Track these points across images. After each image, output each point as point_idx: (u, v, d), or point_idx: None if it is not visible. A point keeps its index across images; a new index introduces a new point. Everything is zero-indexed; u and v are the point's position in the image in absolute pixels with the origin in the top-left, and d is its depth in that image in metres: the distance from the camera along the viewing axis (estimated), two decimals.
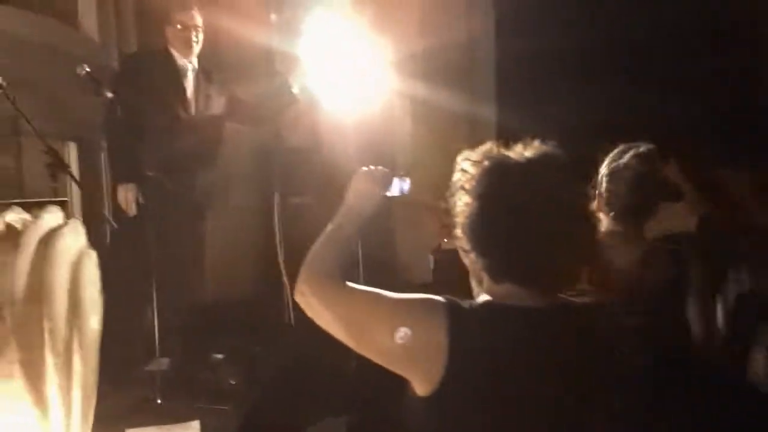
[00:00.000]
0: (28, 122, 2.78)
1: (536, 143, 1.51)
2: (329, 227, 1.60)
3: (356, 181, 1.68)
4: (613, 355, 1.48)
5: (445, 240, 5.45)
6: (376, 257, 4.23)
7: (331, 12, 3.92)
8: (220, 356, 4.21)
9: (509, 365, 1.40)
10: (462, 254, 1.54)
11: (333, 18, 3.86)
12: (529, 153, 1.48)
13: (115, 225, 2.76)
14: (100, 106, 4.56)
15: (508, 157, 1.48)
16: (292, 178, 5.19)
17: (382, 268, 4.65)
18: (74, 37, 5.15)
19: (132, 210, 3.43)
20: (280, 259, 4.21)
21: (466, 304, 1.46)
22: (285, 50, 4.25)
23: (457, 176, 1.54)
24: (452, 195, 1.53)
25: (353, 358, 3.84)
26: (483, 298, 1.49)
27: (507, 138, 1.55)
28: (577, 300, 1.52)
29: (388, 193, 1.70)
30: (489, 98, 5.66)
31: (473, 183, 1.48)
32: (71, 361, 2.29)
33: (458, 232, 1.51)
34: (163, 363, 3.39)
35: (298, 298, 1.55)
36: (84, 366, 2.29)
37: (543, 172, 1.45)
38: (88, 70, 3.16)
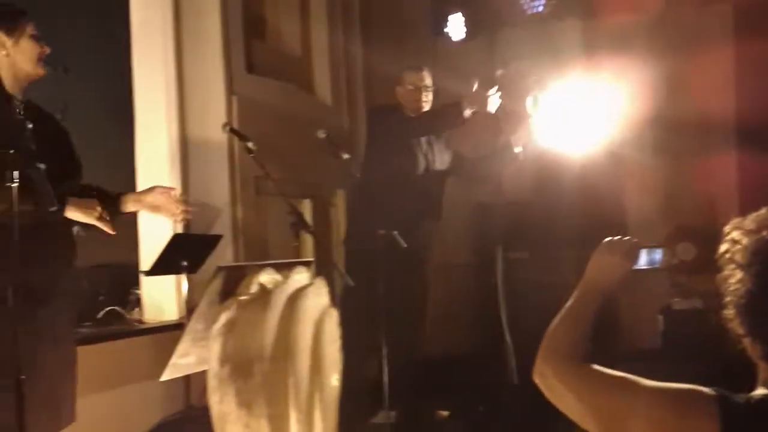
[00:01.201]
0: (275, 184, 2.98)
1: None
2: (569, 303, 1.49)
3: (599, 254, 1.55)
4: None
5: (677, 299, 5.04)
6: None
7: (559, 68, 3.86)
8: (445, 413, 4.18)
9: None
10: (736, 337, 1.36)
11: (561, 73, 3.79)
12: None
13: (352, 283, 2.85)
14: (332, 166, 4.87)
15: None
16: (512, 233, 5.11)
17: (601, 331, 4.38)
18: (310, 102, 5.53)
19: None
20: (503, 316, 4.12)
21: (739, 398, 1.27)
22: (508, 107, 4.23)
23: (725, 247, 1.37)
24: (720, 269, 1.36)
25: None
26: (761, 391, 1.30)
27: None
28: None
29: (636, 267, 1.56)
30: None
31: (748, 256, 1.30)
32: (313, 417, 2.38)
33: (729, 312, 1.33)
34: (391, 417, 3.42)
35: (537, 380, 1.45)
36: (324, 422, 2.38)
37: None
38: (326, 134, 3.36)
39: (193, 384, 3.95)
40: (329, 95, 5.74)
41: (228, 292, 1.95)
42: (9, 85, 2.29)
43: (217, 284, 1.91)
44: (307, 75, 5.66)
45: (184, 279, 3.93)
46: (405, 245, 3.38)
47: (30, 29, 2.37)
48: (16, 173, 1.43)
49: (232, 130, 3.20)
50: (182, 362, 1.95)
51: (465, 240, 5.72)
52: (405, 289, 3.69)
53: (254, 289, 1.97)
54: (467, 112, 3.73)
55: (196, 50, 4.46)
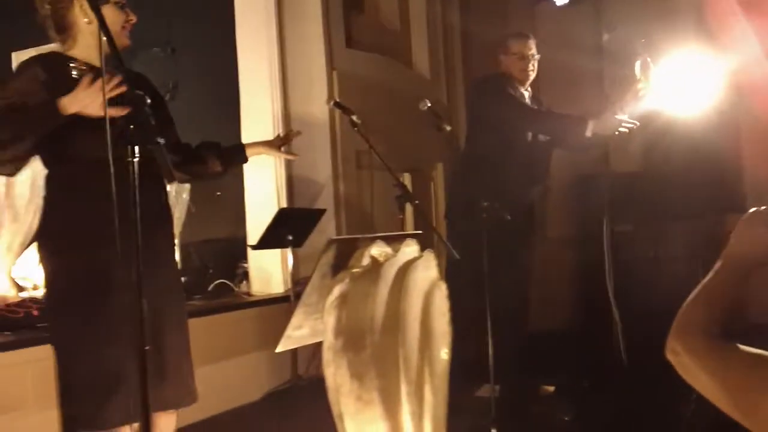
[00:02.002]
0: (380, 158, 2.97)
1: None
2: (708, 277, 1.41)
3: (744, 225, 1.45)
4: None
5: None
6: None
7: (670, 30, 3.65)
8: (550, 389, 4.11)
9: None
10: None
11: (671, 36, 3.59)
12: None
13: (458, 256, 2.82)
14: (431, 139, 4.82)
15: None
16: (618, 205, 4.93)
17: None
18: (409, 76, 5.50)
19: None
20: (611, 292, 3.98)
21: None
22: (616, 72, 4.06)
23: None
24: None
25: (692, 401, 3.53)
26: None
27: None
28: None
29: None
30: None
31: None
32: (423, 390, 2.37)
33: None
34: (495, 390, 3.38)
35: (669, 357, 1.38)
36: (434, 396, 2.37)
37: None
38: (429, 105, 3.30)
39: (299, 355, 4.05)
40: (428, 68, 5.69)
41: (339, 265, 1.96)
42: (90, 57, 2.23)
43: (328, 257, 1.92)
44: (406, 48, 5.62)
45: (289, 252, 4.01)
46: (509, 217, 3.30)
47: None
48: (137, 148, 1.47)
49: (337, 104, 3.20)
50: (296, 334, 1.98)
51: (567, 213, 5.58)
52: (511, 260, 3.63)
53: (366, 261, 1.97)
54: (589, 132, 3.58)
55: (297, 27, 4.52)
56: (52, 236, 2.19)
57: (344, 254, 1.97)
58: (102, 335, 2.04)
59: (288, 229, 3.89)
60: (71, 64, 2.21)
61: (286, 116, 4.53)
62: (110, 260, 1.85)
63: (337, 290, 1.87)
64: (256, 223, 4.42)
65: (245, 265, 4.66)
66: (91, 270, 2.08)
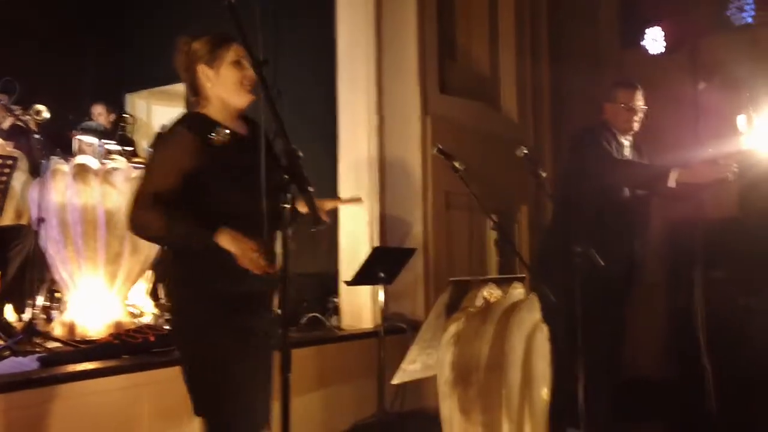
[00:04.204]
0: (480, 203, 3.08)
1: None
2: None
3: None
4: None
5: None
6: None
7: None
8: None
9: None
10: None
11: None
12: None
13: (554, 300, 2.88)
14: (517, 182, 4.89)
15: None
16: (711, 251, 4.87)
17: None
18: (498, 120, 5.62)
19: None
20: (702, 340, 3.95)
21: None
22: (711, 122, 4.06)
23: None
24: None
25: None
26: None
27: None
28: None
29: None
30: None
31: None
32: (523, 427, 2.46)
33: None
34: None
35: None
36: None
37: None
38: (526, 152, 3.39)
39: (386, 390, 4.14)
40: (516, 113, 5.80)
41: (454, 304, 2.07)
42: (221, 117, 2.33)
43: (445, 297, 2.04)
44: (495, 94, 5.75)
45: (380, 289, 4.14)
46: (602, 264, 3.32)
47: (231, 56, 2.35)
48: (289, 196, 1.63)
49: (440, 150, 3.33)
50: (410, 368, 2.09)
51: (659, 258, 5.53)
52: (606, 310, 3.63)
53: (479, 302, 2.08)
54: (672, 182, 3.57)
55: (394, 72, 4.71)
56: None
57: (458, 295, 2.08)
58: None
59: (381, 266, 4.01)
60: (216, 129, 2.30)
61: (382, 158, 4.71)
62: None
63: (453, 328, 1.98)
64: (348, 260, 4.59)
65: (336, 300, 4.81)
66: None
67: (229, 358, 2.18)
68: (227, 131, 2.29)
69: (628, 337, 4.36)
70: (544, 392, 2.32)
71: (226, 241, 2.13)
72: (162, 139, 2.36)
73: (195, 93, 2.41)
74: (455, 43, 5.39)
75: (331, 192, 4.77)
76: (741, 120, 3.43)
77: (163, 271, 4.35)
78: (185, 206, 2.22)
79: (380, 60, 4.68)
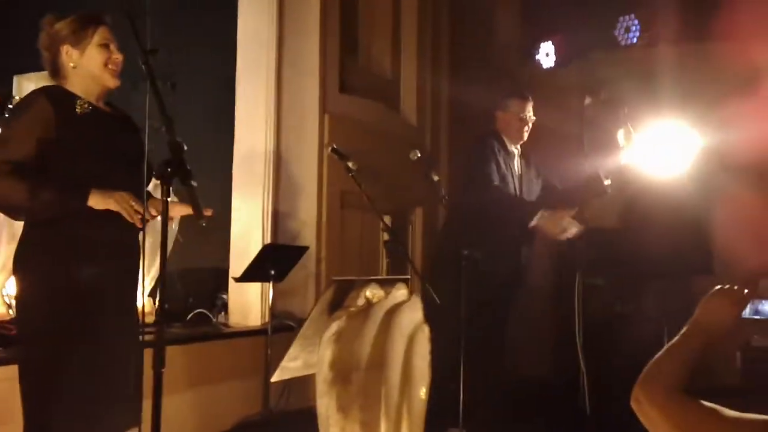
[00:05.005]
0: (372, 204, 3.11)
1: None
2: (676, 339, 1.59)
3: (710, 298, 1.64)
4: None
5: (756, 336, 4.96)
6: None
7: (652, 95, 3.86)
8: None
9: None
10: None
11: (653, 102, 3.80)
12: None
13: (438, 300, 2.95)
14: (413, 184, 4.96)
15: None
16: (594, 259, 5.10)
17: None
18: (396, 122, 5.69)
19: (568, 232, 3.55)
20: (579, 343, 4.14)
21: None
22: (595, 136, 4.26)
23: None
24: None
25: None
26: None
27: None
28: None
29: (743, 314, 1.63)
30: None
31: None
32: (401, 426, 2.50)
33: None
34: None
35: (633, 405, 1.55)
36: None
37: None
38: (419, 155, 3.45)
39: (271, 388, 4.12)
40: (414, 116, 5.88)
41: (337, 303, 2.09)
42: (83, 94, 2.32)
43: (328, 295, 2.05)
44: (395, 96, 5.81)
45: (270, 286, 4.11)
46: (487, 268, 3.44)
47: (98, 38, 2.34)
48: (171, 189, 1.62)
49: (335, 150, 3.34)
50: (291, 365, 2.09)
51: (550, 264, 5.74)
52: (489, 311, 3.75)
53: (361, 302, 2.10)
54: (607, 182, 3.77)
55: (294, 68, 4.68)
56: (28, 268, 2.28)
57: (341, 293, 2.09)
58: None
59: (271, 264, 3.98)
60: (77, 101, 2.31)
61: (278, 153, 4.67)
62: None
63: (334, 326, 2.00)
64: (239, 255, 4.52)
65: (224, 296, 4.73)
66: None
67: (67, 356, 2.13)
68: (87, 104, 2.28)
69: (518, 340, 4.52)
70: (422, 392, 2.37)
71: (98, 198, 2.13)
72: (17, 107, 2.32)
73: (56, 73, 2.37)
74: (357, 43, 5.41)
75: (226, 184, 4.70)
76: (620, 135, 3.63)
77: None
78: (44, 175, 2.18)
79: (281, 55, 4.64)
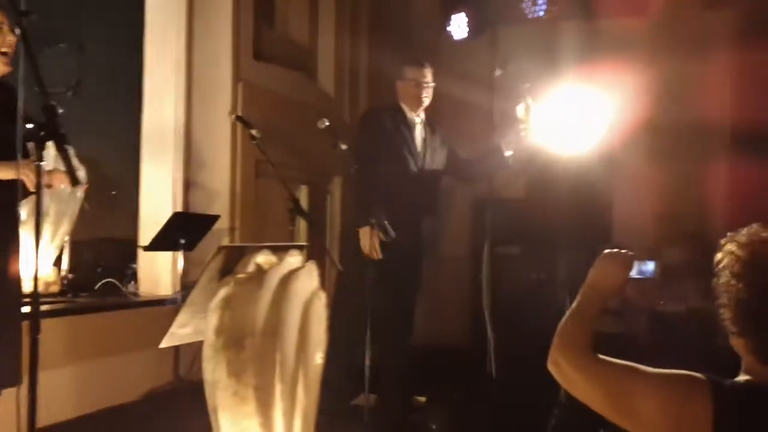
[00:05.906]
0: (276, 172, 3.11)
1: None
2: (575, 302, 1.67)
3: (599, 263, 1.73)
4: None
5: (662, 302, 5.23)
6: None
7: (557, 69, 3.94)
8: (422, 399, 4.34)
9: None
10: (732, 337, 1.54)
11: (557, 76, 3.89)
12: None
13: (341, 268, 2.99)
14: (332, 154, 4.96)
15: None
16: (503, 229, 5.24)
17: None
18: (313, 92, 5.66)
19: (377, 254, 3.57)
20: (486, 311, 4.26)
21: (727, 382, 1.47)
22: (504, 107, 4.34)
23: (721, 257, 1.55)
24: (716, 276, 1.54)
25: (552, 416, 3.82)
26: (744, 377, 1.49)
27: None
28: None
29: (631, 275, 1.73)
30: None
31: (742, 267, 1.48)
32: (296, 390, 2.53)
33: (724, 313, 1.52)
34: (370, 399, 3.56)
35: (551, 368, 1.63)
36: (306, 396, 2.53)
37: None
38: (328, 124, 3.45)
39: (182, 358, 4.11)
40: (332, 86, 5.87)
41: (227, 270, 2.10)
42: None
43: (217, 262, 2.06)
44: (312, 65, 5.78)
45: (180, 256, 4.08)
46: (393, 235, 3.47)
47: None
48: (44, 154, 1.59)
49: (238, 118, 3.31)
50: (180, 332, 2.10)
51: (463, 234, 5.86)
52: (396, 280, 3.80)
53: (251, 268, 2.12)
54: (508, 153, 3.85)
55: (206, 35, 4.59)
56: None
57: (232, 260, 2.11)
58: None
59: (181, 232, 3.95)
60: None
61: (188, 122, 4.60)
62: None
63: (222, 293, 2.01)
64: (150, 225, 4.45)
65: (134, 265, 4.67)
66: None
67: None
68: None
69: (435, 310, 4.61)
70: (318, 357, 2.41)
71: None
72: None
73: None
74: (273, 10, 5.34)
75: (135, 154, 4.61)
76: (520, 108, 3.70)
77: None
78: None
79: (191, 21, 4.54)
